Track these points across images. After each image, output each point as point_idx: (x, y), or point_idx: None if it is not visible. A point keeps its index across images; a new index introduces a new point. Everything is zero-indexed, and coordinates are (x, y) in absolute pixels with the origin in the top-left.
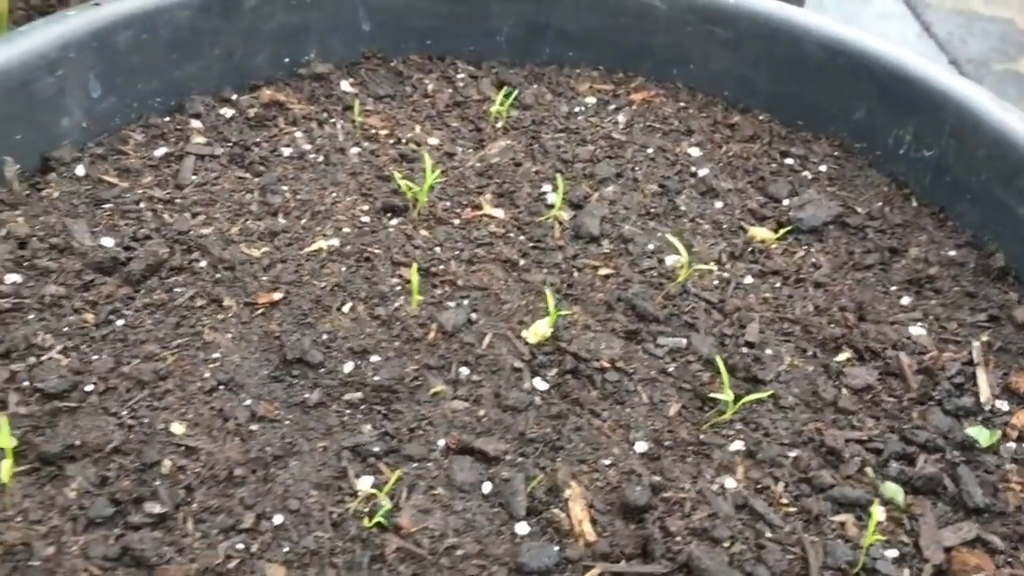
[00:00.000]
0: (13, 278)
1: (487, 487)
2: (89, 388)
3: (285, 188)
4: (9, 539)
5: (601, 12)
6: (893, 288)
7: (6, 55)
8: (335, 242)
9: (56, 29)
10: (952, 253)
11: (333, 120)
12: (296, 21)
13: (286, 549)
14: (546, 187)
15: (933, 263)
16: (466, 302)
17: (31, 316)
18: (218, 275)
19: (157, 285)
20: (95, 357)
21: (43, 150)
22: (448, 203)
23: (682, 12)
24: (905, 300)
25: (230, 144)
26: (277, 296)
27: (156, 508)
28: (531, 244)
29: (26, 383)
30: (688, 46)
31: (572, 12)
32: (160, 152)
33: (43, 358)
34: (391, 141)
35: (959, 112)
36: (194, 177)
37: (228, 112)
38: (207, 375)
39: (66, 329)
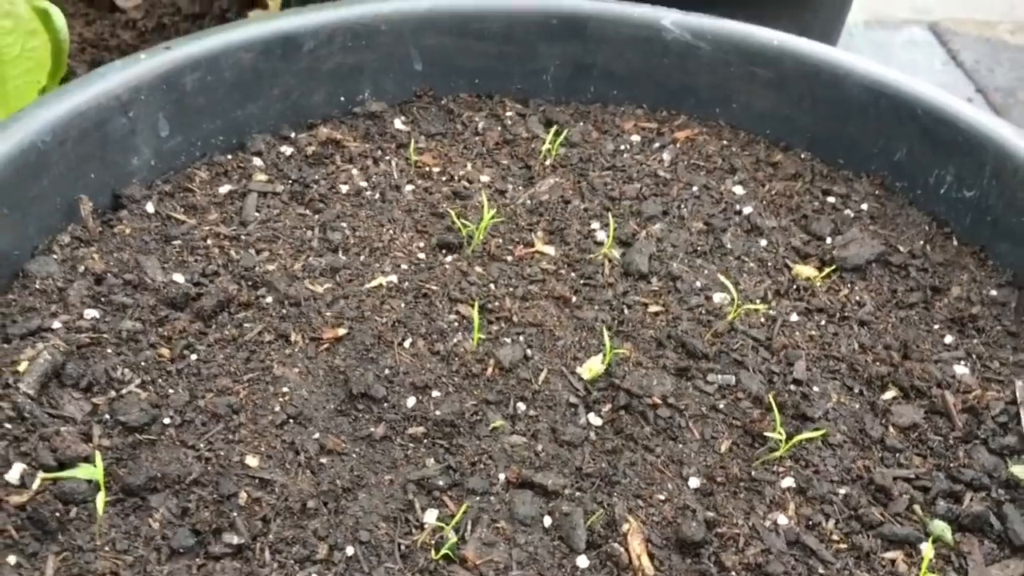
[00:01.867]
0: (92, 313)
1: (547, 520)
2: (167, 421)
3: (344, 225)
4: (99, 568)
5: (645, 52)
6: (936, 327)
7: (83, 97)
8: (394, 278)
9: (129, 72)
10: (993, 292)
11: (388, 157)
12: (351, 61)
13: None
14: (595, 224)
15: (975, 302)
16: (522, 338)
17: (109, 350)
18: (284, 311)
19: (227, 320)
20: (171, 391)
21: (115, 188)
22: (501, 240)
23: (725, 53)
24: (948, 339)
25: (290, 181)
26: (341, 331)
27: (235, 539)
28: (582, 281)
29: (108, 416)
30: (731, 86)
31: (617, 52)
32: (224, 189)
33: (123, 392)
34: (444, 178)
35: (1000, 154)
36: (257, 214)
37: (287, 150)
38: (277, 409)
39: (143, 363)
